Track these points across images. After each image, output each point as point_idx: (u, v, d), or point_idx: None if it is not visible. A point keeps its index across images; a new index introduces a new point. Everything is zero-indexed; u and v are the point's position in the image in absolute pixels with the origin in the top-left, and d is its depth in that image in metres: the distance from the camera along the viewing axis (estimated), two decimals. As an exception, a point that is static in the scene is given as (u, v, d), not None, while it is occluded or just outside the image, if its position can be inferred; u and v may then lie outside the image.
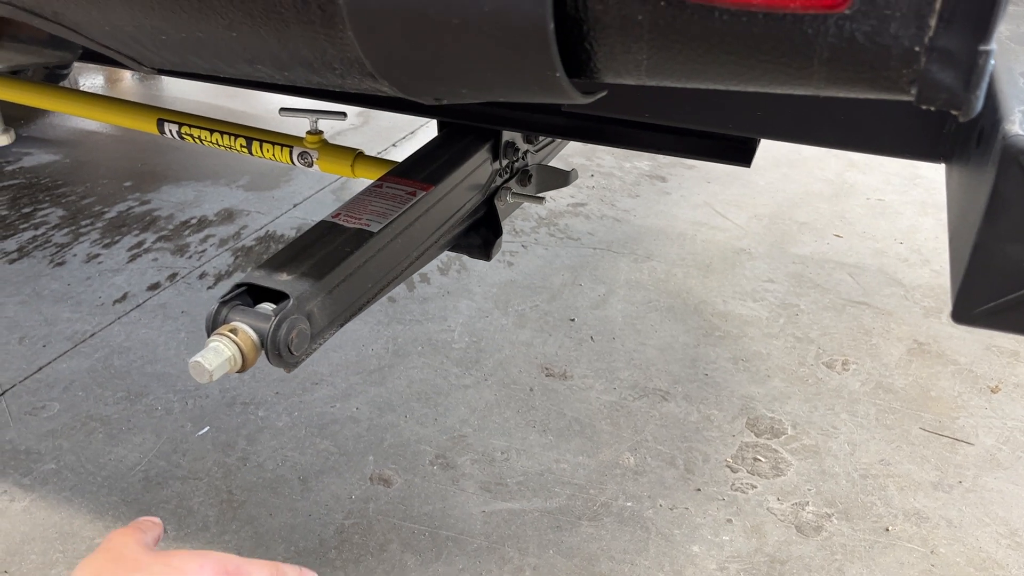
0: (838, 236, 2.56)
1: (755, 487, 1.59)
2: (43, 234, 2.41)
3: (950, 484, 1.61)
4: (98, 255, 2.31)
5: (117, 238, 2.41)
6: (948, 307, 2.20)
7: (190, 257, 2.32)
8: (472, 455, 1.64)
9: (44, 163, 2.90)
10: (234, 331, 0.77)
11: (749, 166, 0.98)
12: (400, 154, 3.03)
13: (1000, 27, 0.79)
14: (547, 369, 1.90)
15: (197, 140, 1.29)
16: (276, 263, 0.85)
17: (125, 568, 0.58)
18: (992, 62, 0.47)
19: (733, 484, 1.59)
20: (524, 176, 1.18)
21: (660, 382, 1.87)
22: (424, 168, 1.02)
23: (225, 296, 0.81)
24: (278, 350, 0.77)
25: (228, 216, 2.56)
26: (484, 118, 1.06)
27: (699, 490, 1.58)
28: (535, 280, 2.27)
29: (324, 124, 1.39)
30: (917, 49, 0.47)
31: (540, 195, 1.19)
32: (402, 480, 1.58)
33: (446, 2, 0.54)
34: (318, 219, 2.53)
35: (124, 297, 2.12)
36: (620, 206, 2.71)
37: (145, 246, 2.37)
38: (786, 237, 2.54)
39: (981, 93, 0.48)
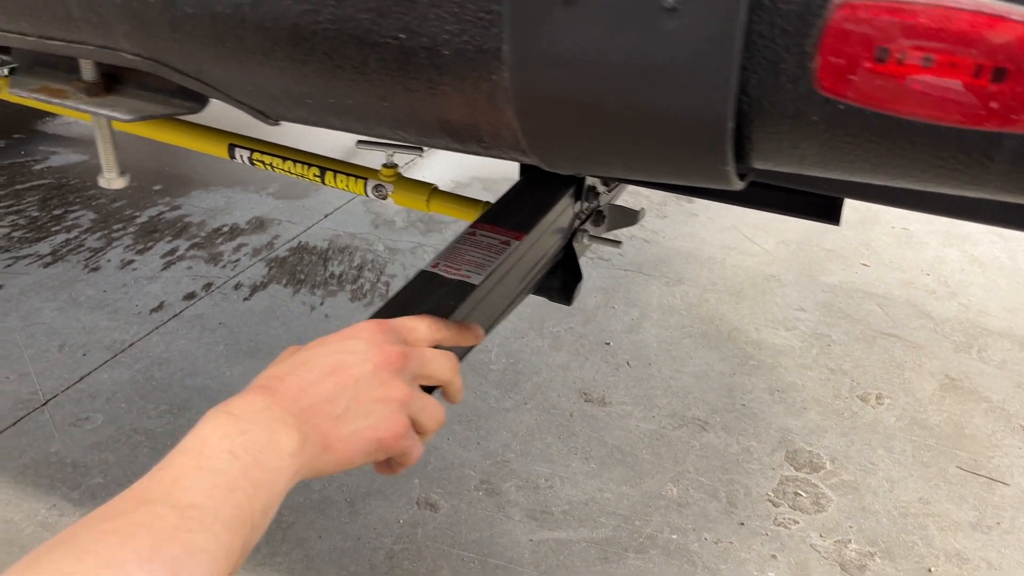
0: (865, 265, 2.58)
1: (797, 523, 1.61)
2: (76, 238, 2.41)
3: (988, 525, 1.63)
4: (132, 261, 2.31)
5: (150, 244, 2.41)
6: (978, 343, 2.23)
7: (224, 266, 2.32)
8: (516, 481, 1.66)
9: (72, 163, 2.89)
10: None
11: (838, 224, 1.00)
12: (430, 164, 3.03)
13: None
14: (585, 394, 1.92)
15: (268, 167, 1.30)
16: (387, 316, 0.86)
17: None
18: None
19: (775, 519, 1.61)
20: (598, 217, 1.20)
21: (698, 411, 1.88)
22: (513, 215, 1.02)
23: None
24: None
25: (260, 225, 2.56)
26: (571, 164, 1.07)
27: (742, 524, 1.60)
28: (568, 301, 2.27)
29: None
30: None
31: (616, 239, 1.21)
32: (448, 505, 1.59)
33: (623, 95, 0.55)
34: (349, 231, 2.55)
35: (161, 306, 2.12)
36: (649, 227, 2.72)
37: (178, 253, 2.37)
38: (814, 264, 2.56)
39: None
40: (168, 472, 0.51)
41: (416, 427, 0.68)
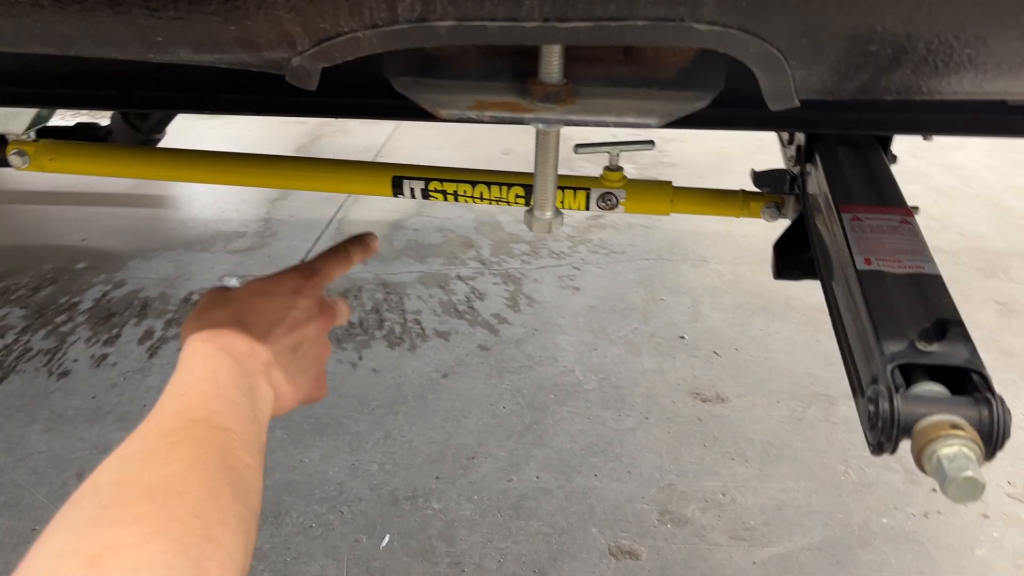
0: (854, 213, 2.61)
1: (981, 476, 1.55)
2: (15, 342, 1.96)
3: None
4: (106, 355, 1.91)
5: (115, 331, 2.00)
6: (999, 266, 2.30)
7: (221, 339, 1.97)
8: (696, 504, 1.49)
9: (-44, 255, 2.38)
10: (957, 427, 0.61)
11: None
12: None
13: None
14: (698, 394, 1.77)
15: (450, 197, 1.05)
16: (893, 330, 0.68)
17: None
18: None
19: (960, 477, 1.55)
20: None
21: (815, 387, 1.80)
22: (870, 190, 0.88)
23: (895, 384, 0.64)
24: (1004, 441, 0.62)
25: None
26: (890, 125, 0.94)
27: (935, 490, 1.52)
28: (613, 302, 2.12)
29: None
30: None
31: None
32: (646, 548, 1.40)
33: None
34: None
35: (176, 400, 1.76)
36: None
37: (158, 335, 1.98)
38: (810, 221, 2.55)
39: None
40: (194, 396, 0.57)
41: None
